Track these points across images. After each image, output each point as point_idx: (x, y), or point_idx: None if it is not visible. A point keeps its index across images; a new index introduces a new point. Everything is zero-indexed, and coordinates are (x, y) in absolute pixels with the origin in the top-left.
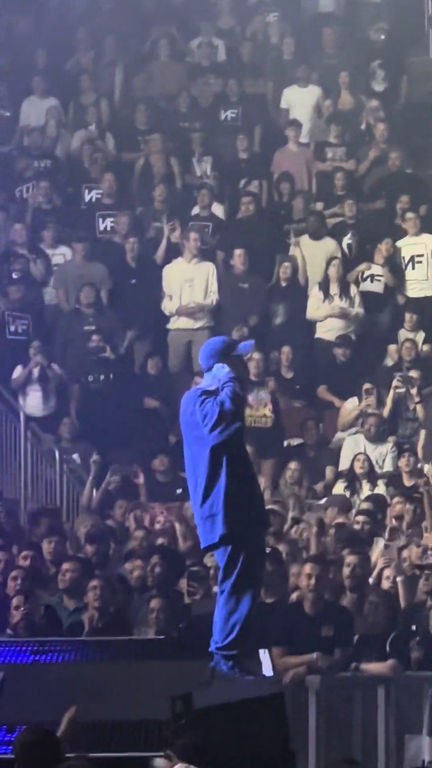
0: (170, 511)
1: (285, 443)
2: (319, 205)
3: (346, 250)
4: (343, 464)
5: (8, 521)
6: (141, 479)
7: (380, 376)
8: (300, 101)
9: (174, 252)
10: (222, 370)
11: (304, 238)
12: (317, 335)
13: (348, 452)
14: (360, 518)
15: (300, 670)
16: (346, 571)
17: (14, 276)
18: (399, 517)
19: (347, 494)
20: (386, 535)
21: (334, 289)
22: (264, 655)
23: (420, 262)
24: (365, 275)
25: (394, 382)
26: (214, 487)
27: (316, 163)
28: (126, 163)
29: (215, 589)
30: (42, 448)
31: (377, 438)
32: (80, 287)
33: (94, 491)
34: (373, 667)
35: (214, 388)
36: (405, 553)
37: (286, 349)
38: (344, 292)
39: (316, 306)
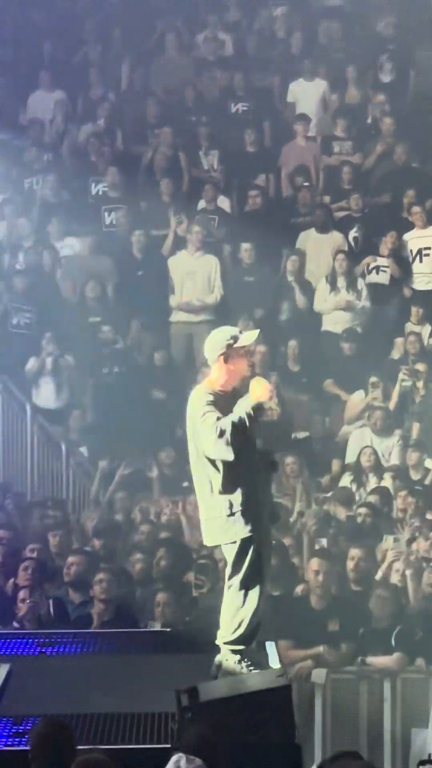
0: (176, 504)
1: (292, 436)
2: (326, 199)
3: (352, 243)
4: (350, 457)
5: (16, 514)
6: (155, 472)
7: (387, 370)
8: (306, 95)
9: (181, 245)
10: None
11: (311, 232)
12: (324, 328)
13: (354, 445)
14: (365, 511)
15: (306, 663)
16: (350, 564)
17: (18, 267)
18: (405, 511)
19: (354, 487)
20: (394, 528)
21: (341, 282)
22: (270, 647)
23: (427, 255)
24: (371, 267)
25: (401, 376)
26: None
27: (323, 157)
28: (133, 157)
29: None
30: (49, 441)
31: (384, 431)
32: (86, 280)
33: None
34: (379, 661)
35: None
36: (413, 546)
37: (292, 342)
38: (351, 285)
39: (323, 299)
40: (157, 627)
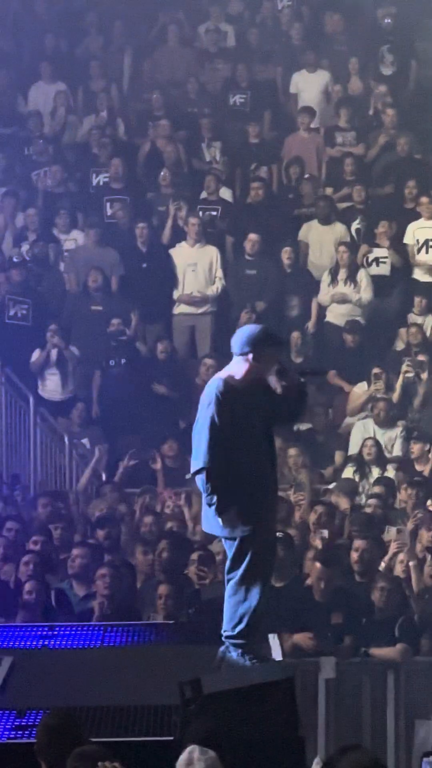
0: (179, 496)
1: (294, 428)
2: (329, 190)
3: (354, 235)
4: (353, 449)
5: (18, 505)
6: (159, 464)
7: (389, 361)
8: (309, 86)
9: (182, 236)
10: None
11: (314, 223)
12: (327, 319)
13: (357, 437)
14: (369, 502)
15: (299, 643)
16: (354, 555)
17: (15, 260)
18: (408, 502)
19: (356, 479)
20: (398, 519)
21: (343, 273)
22: (273, 639)
23: None
24: (370, 259)
25: (404, 367)
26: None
27: (326, 149)
28: (135, 149)
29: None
30: (52, 433)
31: (386, 422)
32: (89, 271)
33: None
34: (382, 653)
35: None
36: (417, 537)
37: (295, 333)
38: (353, 276)
39: (326, 291)
40: (160, 619)
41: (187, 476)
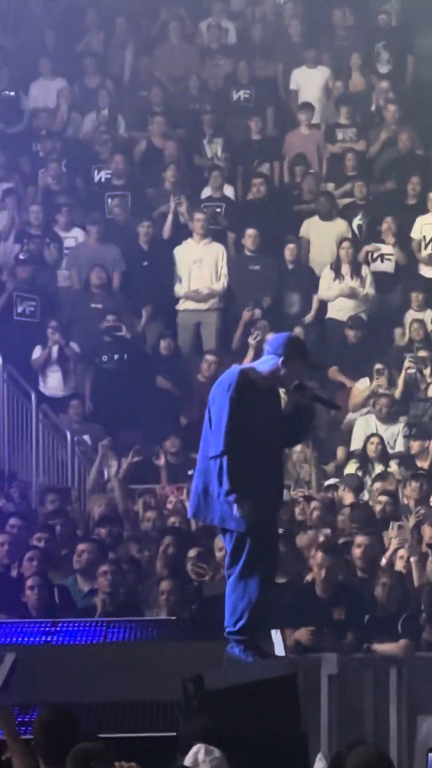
0: (181, 491)
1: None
2: (330, 186)
3: (356, 231)
4: (355, 445)
5: (21, 502)
6: (162, 460)
7: (392, 356)
8: (310, 82)
9: (185, 233)
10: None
11: (314, 219)
12: (329, 315)
13: (360, 433)
14: (380, 498)
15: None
16: (357, 551)
17: (21, 257)
18: (410, 498)
19: (359, 474)
20: (399, 515)
21: (345, 269)
22: (276, 635)
23: None
24: (375, 255)
25: (406, 363)
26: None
27: (327, 145)
28: (136, 145)
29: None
30: (54, 429)
31: (389, 418)
32: (91, 269)
33: (110, 474)
34: (384, 648)
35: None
36: (419, 533)
37: (297, 329)
38: (356, 272)
39: (327, 286)
40: (163, 615)
41: (190, 472)
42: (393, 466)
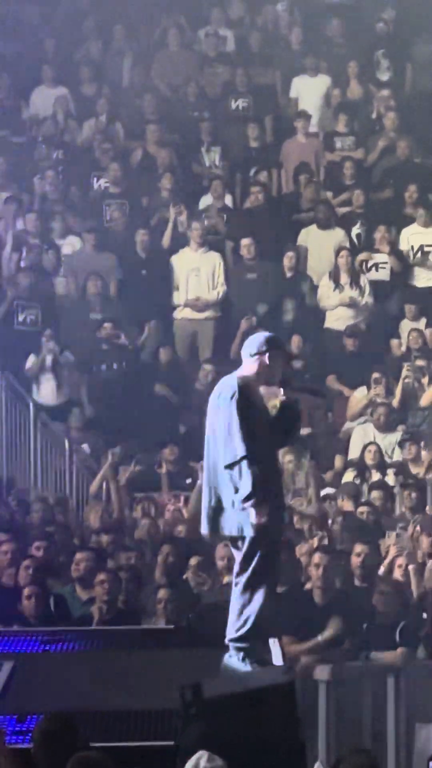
0: (179, 500)
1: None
2: (328, 195)
3: (354, 239)
4: (353, 453)
5: (19, 511)
6: (164, 468)
7: (389, 366)
8: (309, 91)
9: (183, 241)
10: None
11: (312, 228)
12: (327, 324)
13: (357, 441)
14: (367, 509)
15: (309, 659)
16: (355, 560)
17: (22, 265)
18: (407, 506)
19: (356, 483)
20: (397, 523)
21: (344, 278)
22: (274, 644)
23: (429, 252)
24: (370, 264)
25: (404, 372)
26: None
27: (325, 153)
28: (134, 153)
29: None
30: (52, 438)
31: (386, 427)
32: (88, 277)
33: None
34: (383, 657)
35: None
36: (417, 542)
37: (296, 338)
38: (354, 281)
39: (326, 295)
40: (161, 624)
41: (188, 480)
42: (390, 475)
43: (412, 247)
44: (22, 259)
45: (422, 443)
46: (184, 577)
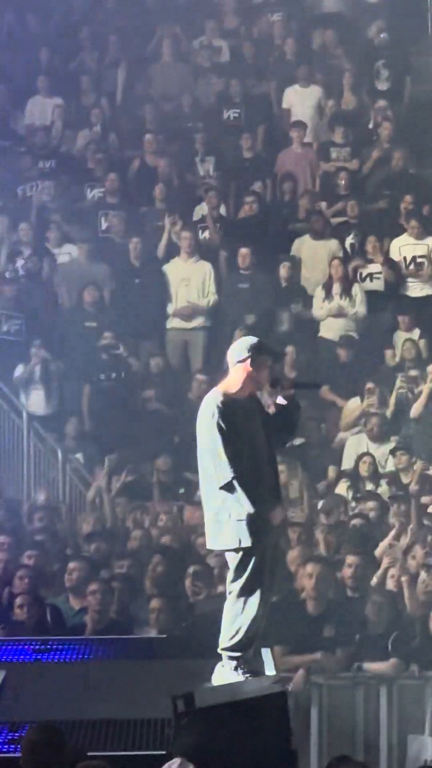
0: (172, 509)
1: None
2: (323, 205)
3: (348, 250)
4: (346, 464)
5: (10, 520)
6: (156, 478)
7: (383, 376)
8: (302, 101)
9: (176, 248)
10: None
11: (306, 238)
12: (320, 334)
13: (351, 452)
14: (359, 522)
15: (300, 674)
16: (347, 571)
17: (7, 275)
18: (399, 516)
19: (350, 494)
20: (390, 534)
21: (337, 288)
22: (266, 654)
23: (421, 263)
24: (364, 275)
25: (398, 383)
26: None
27: (320, 163)
28: (129, 163)
29: (220, 588)
30: (45, 447)
31: (380, 438)
32: (83, 286)
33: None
34: (375, 667)
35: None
36: (410, 553)
37: (289, 348)
38: (347, 291)
39: (320, 306)
40: (153, 633)
41: (181, 491)
42: (383, 486)
43: (405, 259)
44: (11, 269)
45: (417, 453)
46: (179, 586)
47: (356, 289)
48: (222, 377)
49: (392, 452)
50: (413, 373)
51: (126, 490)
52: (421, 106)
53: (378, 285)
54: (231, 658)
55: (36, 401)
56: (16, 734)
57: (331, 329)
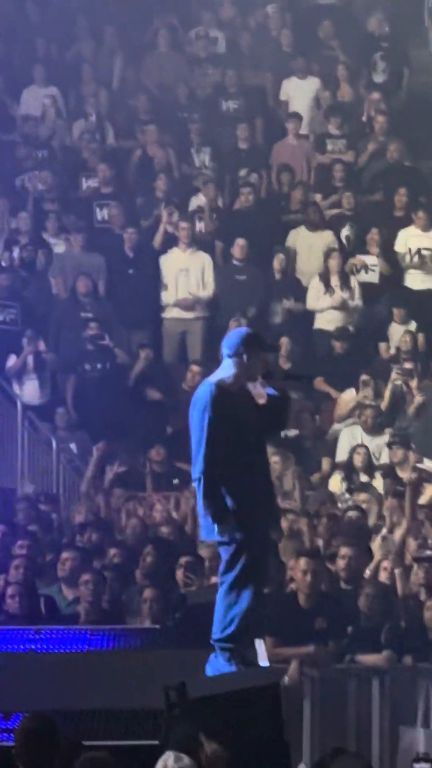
0: (167, 500)
1: (282, 434)
2: (318, 197)
3: (344, 241)
4: (340, 456)
5: (3, 510)
6: (149, 468)
7: (378, 368)
8: (299, 93)
9: (173, 242)
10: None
11: (301, 230)
12: (316, 326)
13: (345, 444)
14: (354, 510)
15: (294, 667)
16: (341, 563)
17: (2, 264)
18: (393, 509)
19: (344, 485)
20: (383, 526)
21: (333, 280)
22: (259, 645)
23: (426, 255)
24: (359, 267)
25: (393, 375)
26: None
27: (316, 155)
28: (124, 153)
29: (213, 579)
30: (39, 437)
31: (374, 430)
32: (77, 276)
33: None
34: (367, 659)
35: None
36: (403, 545)
37: (284, 340)
38: (344, 283)
39: (315, 297)
40: (146, 624)
41: (175, 481)
42: (378, 478)
43: (410, 250)
44: (6, 258)
45: (411, 446)
46: (178, 576)
47: (352, 281)
48: (216, 368)
49: (389, 446)
50: (408, 365)
51: (119, 481)
52: (418, 98)
53: (372, 277)
54: (224, 649)
55: (30, 391)
56: (10, 723)
57: (326, 321)
